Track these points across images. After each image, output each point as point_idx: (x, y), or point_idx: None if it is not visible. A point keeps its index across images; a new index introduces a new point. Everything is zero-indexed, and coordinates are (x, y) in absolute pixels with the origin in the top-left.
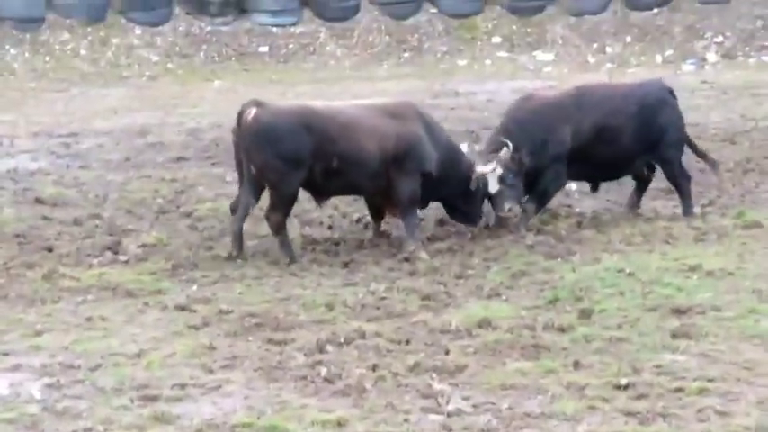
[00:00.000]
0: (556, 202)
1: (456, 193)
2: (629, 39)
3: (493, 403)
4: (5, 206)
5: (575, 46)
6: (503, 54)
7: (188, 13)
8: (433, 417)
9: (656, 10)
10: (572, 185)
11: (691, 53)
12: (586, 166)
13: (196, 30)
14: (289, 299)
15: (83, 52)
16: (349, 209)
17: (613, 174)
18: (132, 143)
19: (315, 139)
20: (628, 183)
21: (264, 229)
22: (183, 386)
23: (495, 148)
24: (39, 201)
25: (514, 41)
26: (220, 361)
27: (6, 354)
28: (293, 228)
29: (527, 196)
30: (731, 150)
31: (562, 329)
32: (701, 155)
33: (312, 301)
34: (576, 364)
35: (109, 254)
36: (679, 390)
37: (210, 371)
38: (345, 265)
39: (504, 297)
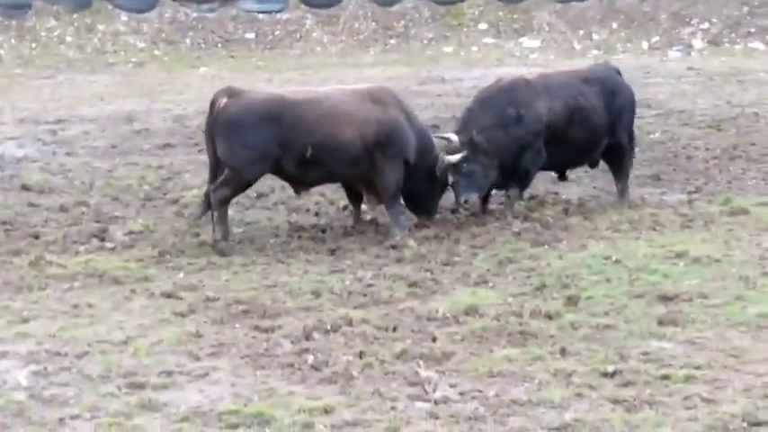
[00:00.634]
0: (543, 189)
1: (423, 182)
2: (615, 25)
3: (480, 390)
4: None
5: (561, 32)
6: (489, 40)
7: (174, 0)
8: (419, 404)
9: None
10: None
11: (677, 39)
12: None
13: (182, 16)
14: (275, 286)
15: (69, 39)
16: (335, 196)
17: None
18: (118, 130)
19: (284, 130)
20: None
21: (251, 216)
22: (169, 373)
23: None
24: (25, 187)
25: (501, 28)
26: (207, 348)
27: None
28: (279, 215)
29: (509, 182)
30: (717, 137)
31: (549, 316)
32: None
33: (299, 289)
34: (563, 352)
35: (95, 241)
36: (666, 377)
37: (197, 358)
38: (332, 252)
39: (490, 284)
